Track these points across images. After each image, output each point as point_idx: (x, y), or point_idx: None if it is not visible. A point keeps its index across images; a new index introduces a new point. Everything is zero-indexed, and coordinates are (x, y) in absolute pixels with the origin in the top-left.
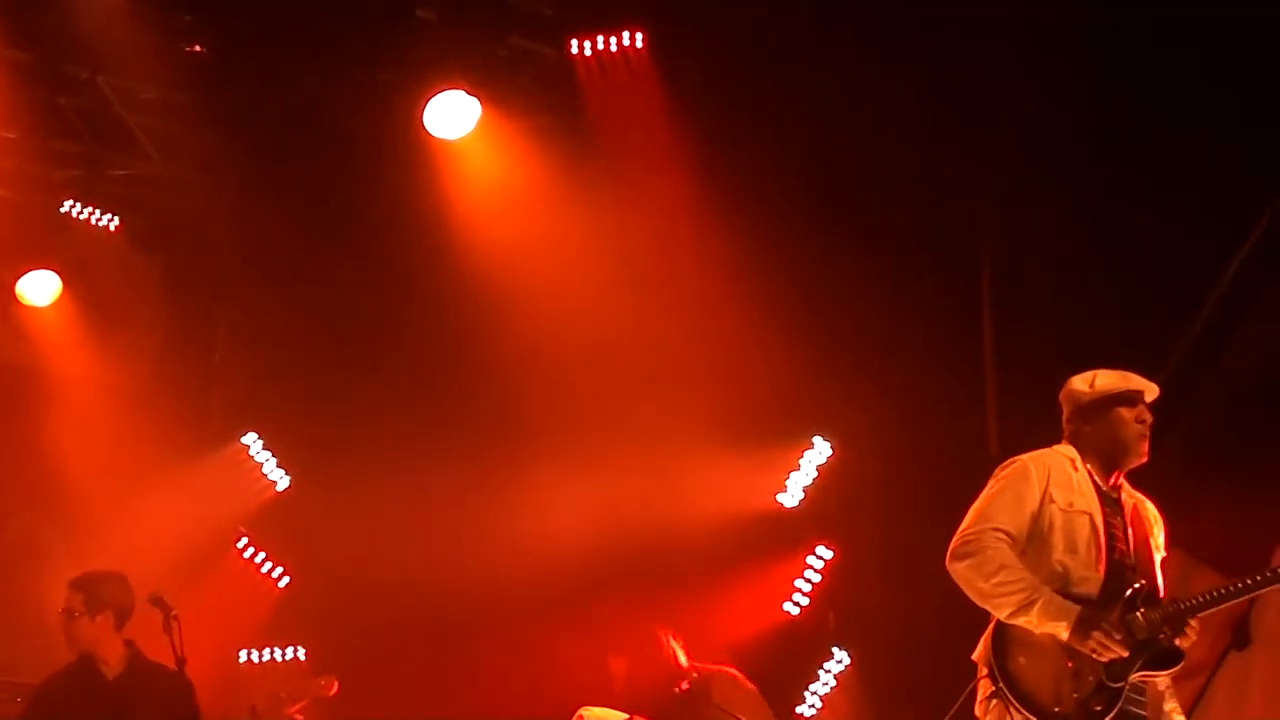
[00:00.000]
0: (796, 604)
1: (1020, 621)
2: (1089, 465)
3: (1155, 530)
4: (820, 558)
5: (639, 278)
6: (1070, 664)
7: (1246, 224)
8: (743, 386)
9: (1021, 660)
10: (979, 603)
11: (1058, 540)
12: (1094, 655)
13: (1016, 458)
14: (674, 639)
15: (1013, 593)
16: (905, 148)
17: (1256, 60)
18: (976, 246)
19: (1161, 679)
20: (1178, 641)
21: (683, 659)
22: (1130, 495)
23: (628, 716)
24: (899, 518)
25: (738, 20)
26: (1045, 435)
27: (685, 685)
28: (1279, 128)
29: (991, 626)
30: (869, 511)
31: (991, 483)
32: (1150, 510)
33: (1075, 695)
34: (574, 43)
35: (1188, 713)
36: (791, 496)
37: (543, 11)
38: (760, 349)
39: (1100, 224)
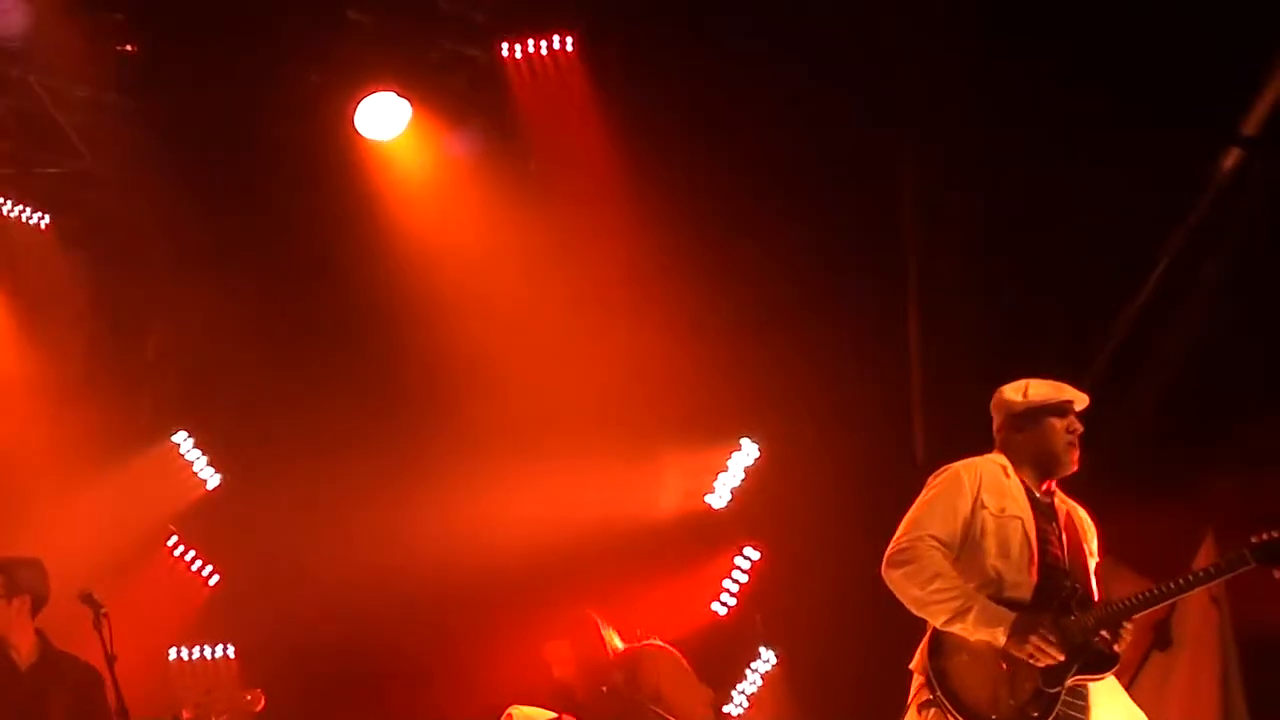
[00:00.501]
0: (724, 604)
1: (956, 629)
2: (1021, 473)
3: (1089, 536)
4: (748, 559)
5: (569, 277)
6: (1006, 670)
7: (1162, 240)
8: (672, 388)
9: (958, 667)
10: (914, 610)
11: (991, 545)
12: (1031, 660)
13: (948, 466)
14: (606, 624)
15: (947, 600)
16: (833, 150)
17: (1170, 72)
18: (903, 257)
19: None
20: (1114, 645)
21: (616, 642)
22: (1063, 501)
23: (556, 716)
24: (825, 520)
25: (663, 23)
26: (969, 441)
27: (611, 684)
28: (1192, 145)
29: (928, 635)
30: (795, 513)
31: (924, 491)
32: (1083, 516)
33: (1012, 702)
34: (504, 46)
35: None
36: (719, 498)
37: (474, 16)
38: (690, 352)
39: (1023, 238)
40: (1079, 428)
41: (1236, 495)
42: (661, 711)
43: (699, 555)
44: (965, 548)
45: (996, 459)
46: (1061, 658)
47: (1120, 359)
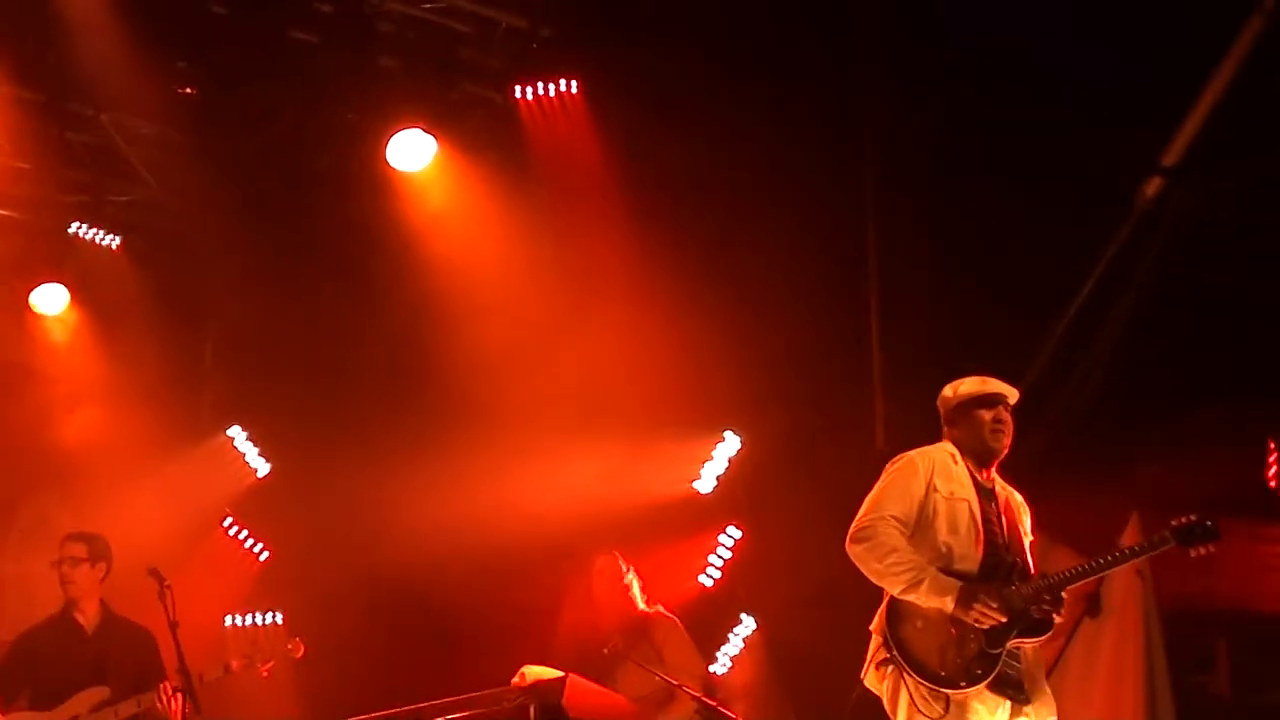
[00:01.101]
0: (710, 577)
1: (910, 597)
2: (965, 460)
3: (1023, 517)
4: (730, 537)
5: (575, 291)
6: (954, 633)
7: (1101, 243)
8: (665, 388)
9: (911, 631)
10: (874, 580)
11: (941, 524)
12: (976, 624)
13: (905, 454)
14: (637, 576)
15: (902, 572)
16: (803, 176)
17: (1118, 82)
18: (865, 266)
19: (1032, 645)
20: (1049, 612)
21: (638, 595)
22: (1003, 488)
23: (563, 675)
24: (798, 502)
25: (657, 70)
26: (925, 431)
27: (612, 646)
28: (1136, 152)
29: (885, 601)
30: (772, 496)
31: (884, 475)
32: (1019, 500)
33: (959, 660)
34: (518, 89)
35: (1048, 673)
36: (705, 484)
37: (491, 63)
38: (681, 357)
39: (974, 243)
40: (1006, 417)
41: (1159, 481)
42: (658, 672)
43: (688, 534)
44: (919, 526)
45: (946, 447)
46: (1003, 620)
47: (1057, 357)
